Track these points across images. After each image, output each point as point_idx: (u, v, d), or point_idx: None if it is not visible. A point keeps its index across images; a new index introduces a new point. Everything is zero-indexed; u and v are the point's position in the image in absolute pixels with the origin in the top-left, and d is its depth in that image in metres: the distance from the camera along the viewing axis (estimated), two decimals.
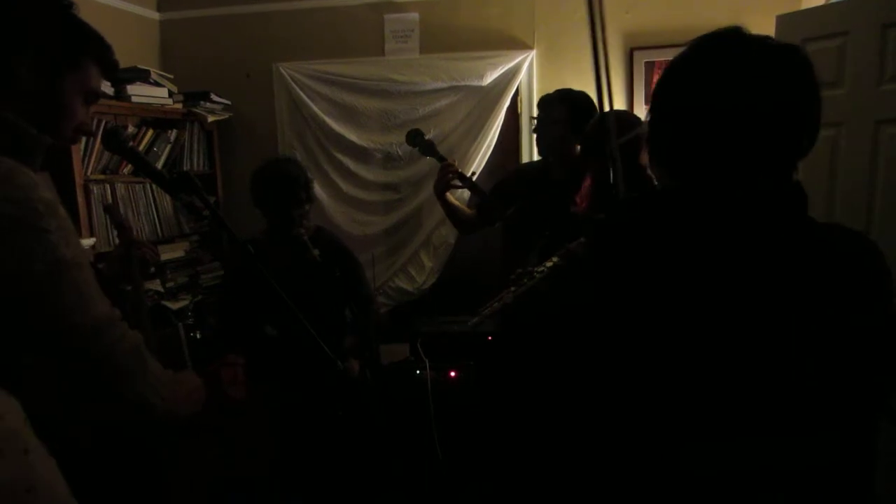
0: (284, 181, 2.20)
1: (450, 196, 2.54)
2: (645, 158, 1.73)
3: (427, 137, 2.59)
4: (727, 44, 0.81)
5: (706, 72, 0.80)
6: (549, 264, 1.70)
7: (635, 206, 0.91)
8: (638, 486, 0.80)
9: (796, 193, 0.81)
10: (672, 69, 0.84)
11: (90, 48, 1.07)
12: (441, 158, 2.50)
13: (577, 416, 0.87)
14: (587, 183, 1.91)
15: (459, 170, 2.49)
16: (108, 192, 2.91)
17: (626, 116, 1.90)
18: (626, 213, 0.92)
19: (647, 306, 0.80)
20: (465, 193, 2.90)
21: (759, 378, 0.75)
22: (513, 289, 1.65)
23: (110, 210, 1.73)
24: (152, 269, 1.58)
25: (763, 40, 0.80)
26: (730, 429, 0.75)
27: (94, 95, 1.11)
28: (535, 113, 3.40)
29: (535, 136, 2.47)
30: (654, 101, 0.87)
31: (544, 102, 2.41)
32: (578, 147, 2.24)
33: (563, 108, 2.29)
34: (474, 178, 2.61)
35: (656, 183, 1.75)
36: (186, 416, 1.07)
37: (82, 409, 0.95)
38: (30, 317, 0.87)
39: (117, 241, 1.68)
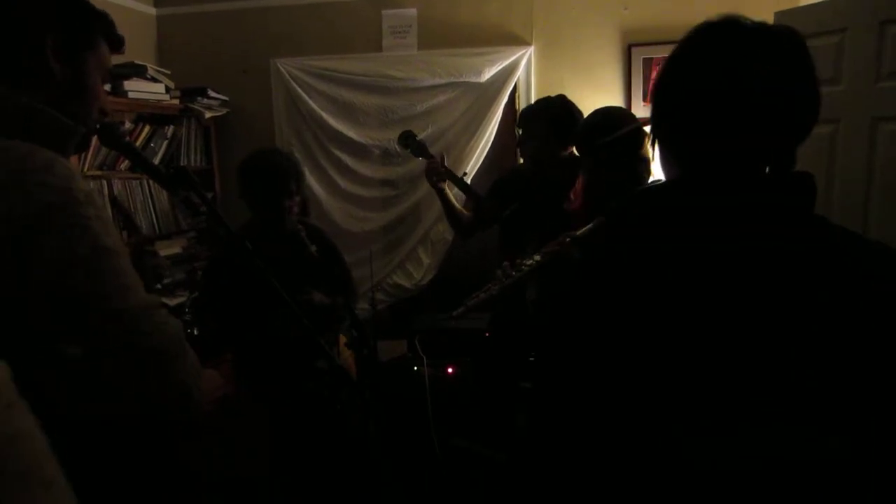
0: (275, 172, 2.11)
1: (449, 194, 2.51)
2: (646, 151, 1.74)
3: (419, 138, 2.58)
4: (726, 30, 0.83)
5: (706, 58, 0.82)
6: (536, 258, 1.71)
7: (645, 197, 0.93)
8: (643, 480, 0.80)
9: (804, 182, 0.81)
10: (673, 58, 0.86)
11: (100, 24, 1.07)
12: (429, 157, 2.49)
13: (574, 411, 0.88)
14: (580, 180, 1.91)
15: (450, 168, 2.48)
16: (106, 188, 2.90)
17: (616, 112, 1.91)
18: (637, 203, 0.95)
19: (649, 296, 0.81)
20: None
21: (754, 371, 0.76)
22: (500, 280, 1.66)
23: (118, 204, 1.69)
24: (164, 282, 1.53)
25: (761, 25, 0.82)
26: (728, 421, 0.76)
27: (108, 74, 1.10)
28: None
29: (518, 149, 2.46)
30: (656, 91, 0.88)
31: (523, 118, 2.39)
32: (571, 148, 2.25)
33: (540, 124, 2.27)
34: (467, 179, 2.60)
35: (652, 176, 1.76)
36: (205, 414, 1.05)
37: (110, 405, 0.93)
38: (71, 302, 0.86)
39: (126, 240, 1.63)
